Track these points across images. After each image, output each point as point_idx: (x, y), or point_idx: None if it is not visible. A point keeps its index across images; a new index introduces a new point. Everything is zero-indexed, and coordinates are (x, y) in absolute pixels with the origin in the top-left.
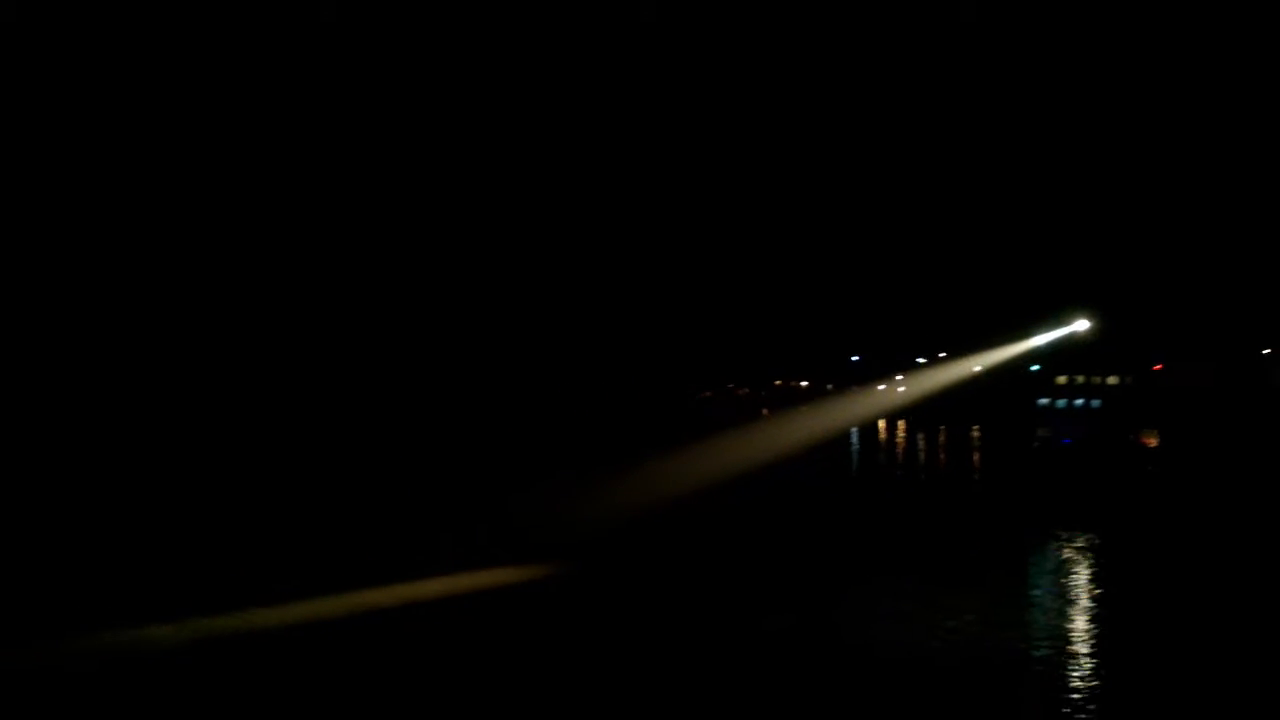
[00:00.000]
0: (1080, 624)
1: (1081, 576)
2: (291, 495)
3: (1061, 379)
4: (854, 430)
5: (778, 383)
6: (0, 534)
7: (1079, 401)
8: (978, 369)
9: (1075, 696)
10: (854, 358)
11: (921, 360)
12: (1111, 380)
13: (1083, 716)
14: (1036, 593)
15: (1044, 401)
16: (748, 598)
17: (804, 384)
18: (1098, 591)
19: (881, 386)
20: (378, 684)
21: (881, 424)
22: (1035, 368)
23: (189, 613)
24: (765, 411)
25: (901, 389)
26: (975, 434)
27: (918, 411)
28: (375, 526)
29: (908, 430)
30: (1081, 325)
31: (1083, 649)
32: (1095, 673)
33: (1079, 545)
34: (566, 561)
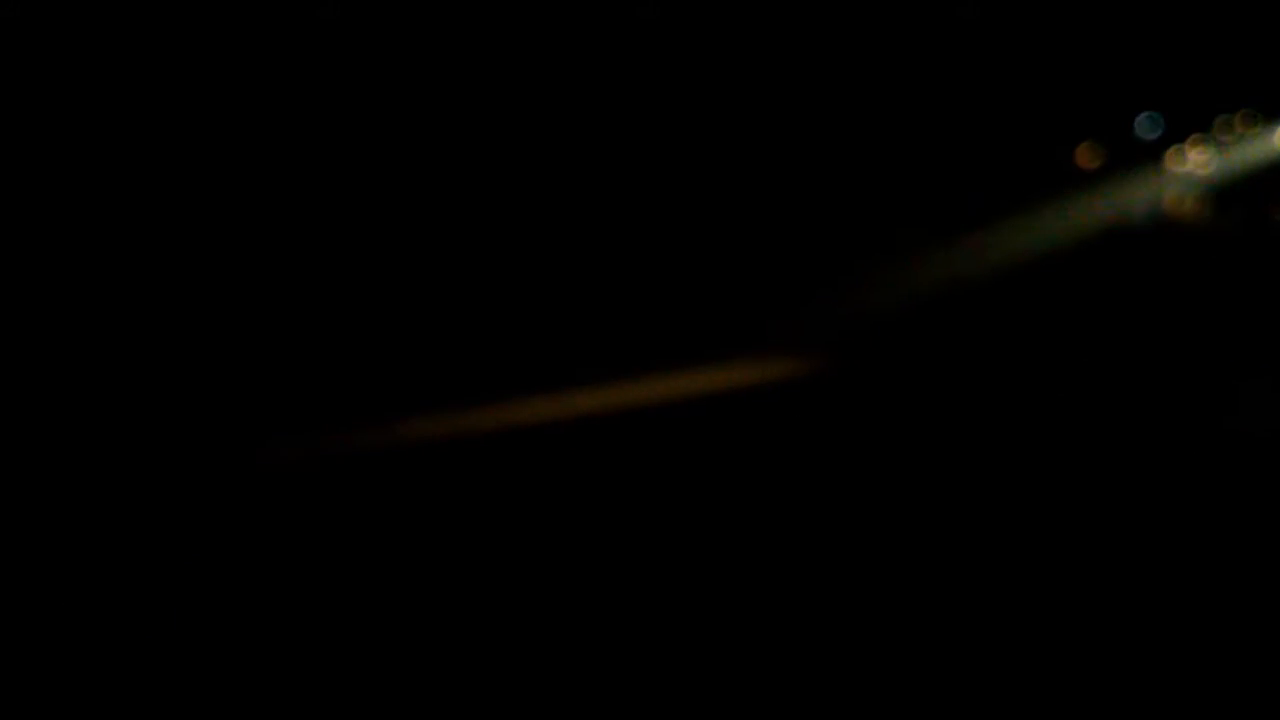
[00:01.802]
0: None
1: None
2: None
3: None
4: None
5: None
6: None
7: None
8: None
9: None
10: (1144, 115)
11: (1227, 118)
12: None
13: None
14: None
15: None
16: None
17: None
18: None
19: (1171, 161)
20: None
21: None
22: None
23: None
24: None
25: (1199, 163)
26: None
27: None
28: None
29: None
30: None
31: None
32: None
33: None
34: (847, 354)
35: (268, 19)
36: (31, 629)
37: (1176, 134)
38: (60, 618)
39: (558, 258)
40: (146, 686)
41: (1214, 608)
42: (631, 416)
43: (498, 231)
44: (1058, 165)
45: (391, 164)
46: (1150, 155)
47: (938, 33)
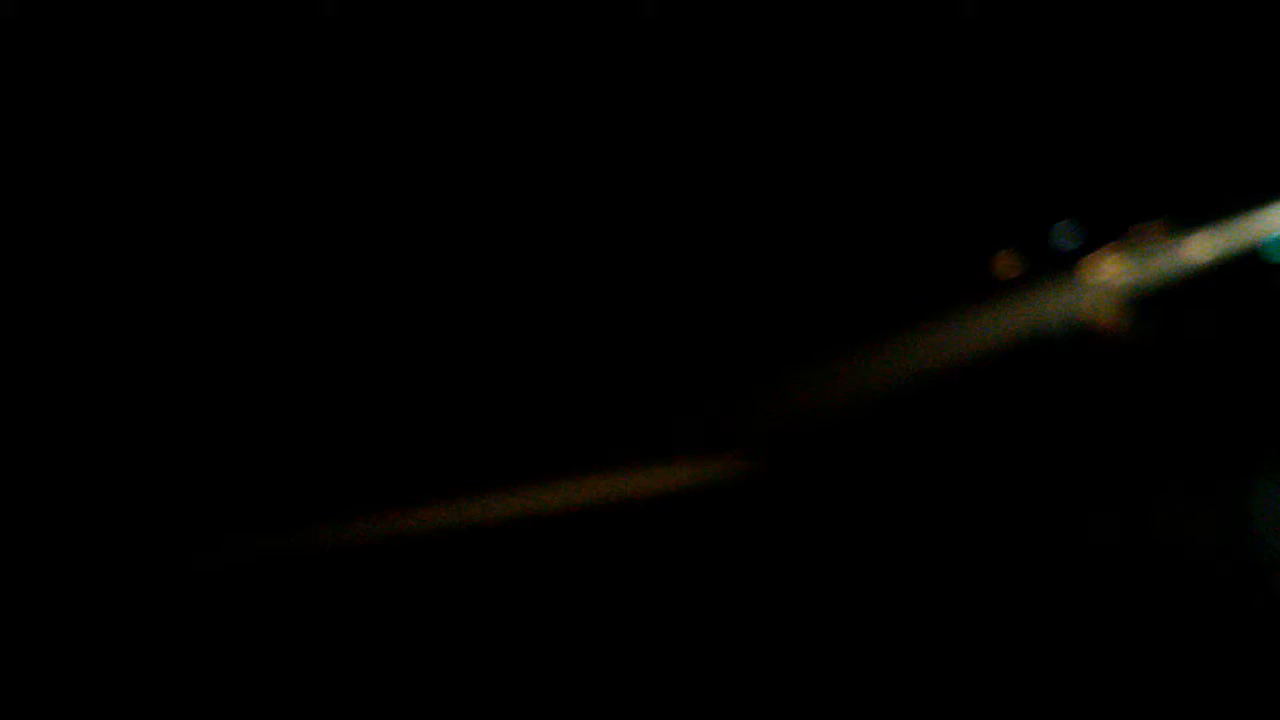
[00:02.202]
0: None
1: None
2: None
3: None
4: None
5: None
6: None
7: None
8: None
9: None
10: (1058, 224)
11: (1149, 224)
12: None
13: None
14: None
15: None
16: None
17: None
18: None
19: (1088, 271)
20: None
21: (1104, 313)
22: None
23: (346, 513)
24: None
25: (1114, 272)
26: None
27: (1158, 301)
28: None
29: (1139, 323)
30: None
31: None
32: None
33: None
34: (777, 454)
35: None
36: None
37: (1093, 243)
38: None
39: (497, 352)
40: None
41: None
42: (577, 515)
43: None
44: (977, 274)
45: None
46: (1067, 264)
47: (862, 140)
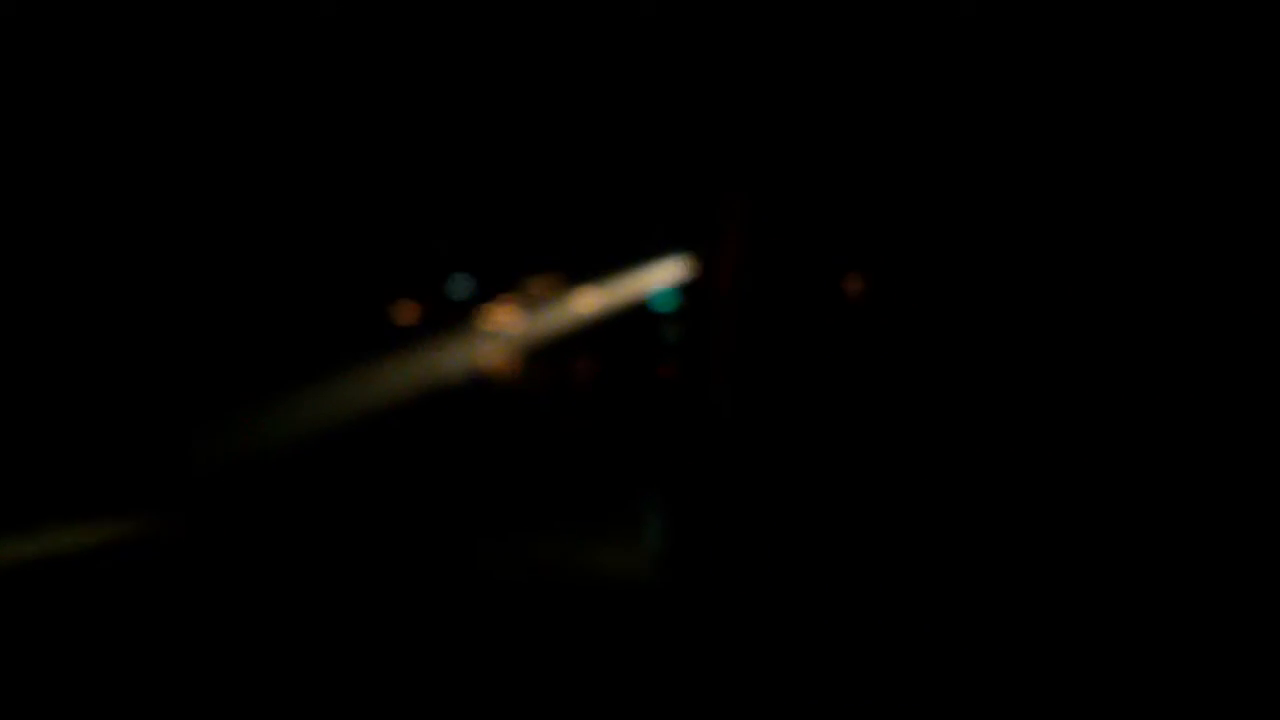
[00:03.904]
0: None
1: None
2: None
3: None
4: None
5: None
6: None
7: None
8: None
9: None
10: (457, 280)
11: (540, 277)
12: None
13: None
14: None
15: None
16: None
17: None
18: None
19: (482, 320)
20: None
21: (496, 366)
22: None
23: None
24: None
25: (508, 322)
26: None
27: (542, 353)
28: None
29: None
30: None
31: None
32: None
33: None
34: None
35: None
36: None
37: (486, 294)
38: None
39: None
40: None
41: None
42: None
43: None
44: (375, 323)
45: None
46: (462, 313)
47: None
